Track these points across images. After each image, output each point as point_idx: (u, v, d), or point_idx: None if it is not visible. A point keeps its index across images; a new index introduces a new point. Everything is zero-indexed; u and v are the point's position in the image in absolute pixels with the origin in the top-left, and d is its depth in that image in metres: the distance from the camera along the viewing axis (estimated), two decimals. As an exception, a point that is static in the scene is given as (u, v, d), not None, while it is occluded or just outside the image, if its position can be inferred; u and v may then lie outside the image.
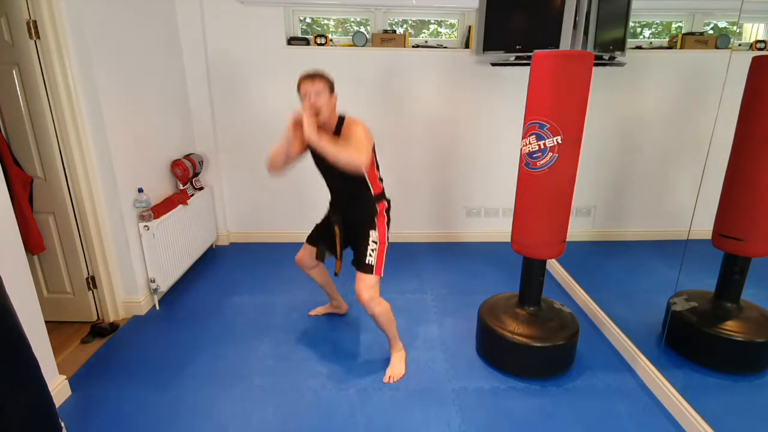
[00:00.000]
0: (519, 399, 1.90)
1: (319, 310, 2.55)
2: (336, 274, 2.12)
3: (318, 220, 2.22)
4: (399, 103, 3.25)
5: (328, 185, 2.08)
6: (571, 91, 1.74)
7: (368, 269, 1.93)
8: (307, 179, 2.93)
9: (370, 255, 1.94)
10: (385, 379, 2.01)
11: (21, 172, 2.10)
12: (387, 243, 2.01)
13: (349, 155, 1.74)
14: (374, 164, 1.98)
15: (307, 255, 2.23)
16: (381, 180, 2.04)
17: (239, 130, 3.29)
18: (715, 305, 2.05)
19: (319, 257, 2.13)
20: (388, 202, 2.07)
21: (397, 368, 2.05)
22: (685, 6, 2.98)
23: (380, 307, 1.93)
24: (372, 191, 1.99)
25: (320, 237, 2.16)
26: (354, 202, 2.02)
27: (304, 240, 2.24)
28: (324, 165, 1.95)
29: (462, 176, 3.45)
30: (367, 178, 1.96)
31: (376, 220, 1.99)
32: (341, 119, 1.91)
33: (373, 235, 1.97)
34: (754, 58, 1.78)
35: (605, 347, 2.26)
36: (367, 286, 1.90)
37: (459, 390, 1.96)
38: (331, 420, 1.78)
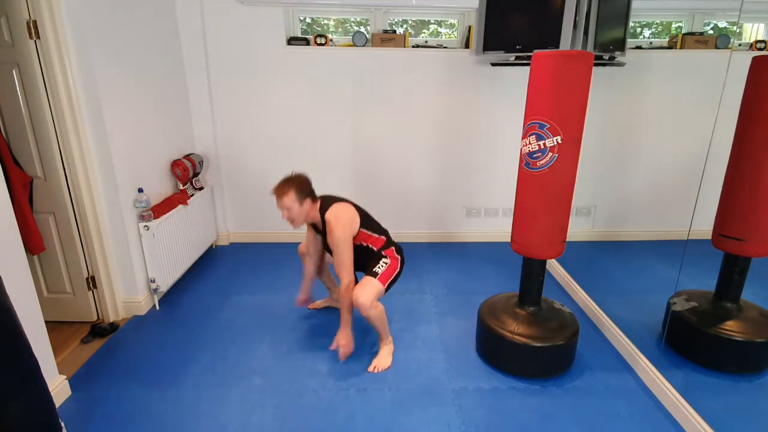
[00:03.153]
0: (519, 399, 1.90)
1: (318, 304, 2.59)
2: None
3: None
4: (399, 103, 3.25)
5: None
6: (571, 91, 1.74)
7: (373, 274, 2.01)
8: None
9: (380, 267, 2.04)
10: (371, 368, 2.06)
11: (21, 172, 2.10)
12: (398, 270, 2.09)
13: (349, 286, 1.97)
14: (365, 232, 2.07)
15: (308, 243, 2.29)
16: (383, 233, 2.13)
17: (239, 130, 3.29)
18: (715, 305, 2.05)
19: None
20: (397, 246, 2.16)
21: (383, 359, 2.10)
22: (685, 6, 2.98)
23: (375, 311, 1.98)
24: (374, 249, 2.10)
25: None
26: (363, 261, 2.11)
27: (304, 240, 2.24)
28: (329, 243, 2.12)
29: (462, 176, 3.45)
30: (364, 244, 2.08)
31: (388, 256, 2.09)
32: (324, 210, 2.01)
33: (385, 259, 2.07)
34: (754, 58, 1.78)
35: (605, 347, 2.26)
36: (366, 289, 1.95)
37: (459, 390, 1.96)
38: (331, 420, 1.78)
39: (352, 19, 3.36)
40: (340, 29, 3.42)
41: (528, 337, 1.95)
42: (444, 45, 3.25)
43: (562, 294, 2.82)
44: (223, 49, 3.11)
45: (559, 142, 1.76)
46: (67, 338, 2.30)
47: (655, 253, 2.99)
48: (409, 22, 3.40)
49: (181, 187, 2.93)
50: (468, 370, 2.08)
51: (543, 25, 2.76)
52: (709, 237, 2.01)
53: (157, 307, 2.60)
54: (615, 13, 2.62)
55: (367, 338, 2.31)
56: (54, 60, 2.05)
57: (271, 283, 2.89)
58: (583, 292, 2.67)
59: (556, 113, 1.75)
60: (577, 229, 3.16)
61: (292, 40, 3.14)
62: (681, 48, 2.83)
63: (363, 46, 3.14)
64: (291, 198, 1.94)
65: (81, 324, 2.42)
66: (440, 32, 3.43)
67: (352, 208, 2.06)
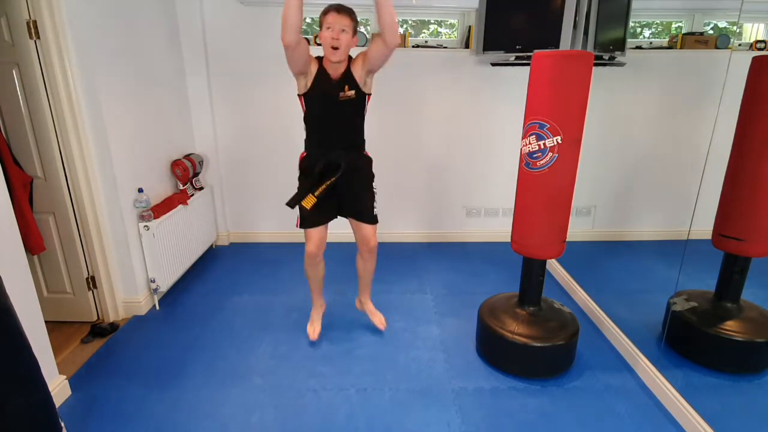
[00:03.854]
0: (519, 399, 1.90)
1: (318, 329, 2.32)
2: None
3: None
4: (399, 104, 3.25)
5: (326, 134, 1.98)
6: (571, 91, 1.74)
7: (376, 220, 2.08)
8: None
9: (376, 205, 2.09)
10: (383, 327, 2.29)
11: (21, 172, 2.10)
12: None
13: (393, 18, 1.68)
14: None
15: (322, 240, 2.11)
16: None
17: (239, 130, 3.29)
18: (715, 305, 2.05)
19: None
20: None
21: (378, 315, 2.33)
22: (685, 6, 2.98)
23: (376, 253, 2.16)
24: (363, 139, 2.06)
25: (322, 212, 2.04)
26: (352, 151, 2.01)
27: (303, 241, 2.20)
28: (332, 104, 1.88)
29: (462, 176, 3.45)
30: (366, 110, 1.99)
31: (372, 168, 2.10)
32: (349, 58, 1.92)
33: (374, 184, 2.11)
34: (754, 58, 1.78)
35: (605, 347, 2.26)
36: (374, 234, 2.09)
37: (459, 390, 1.96)
38: (331, 420, 1.78)
39: (352, 19, 3.36)
40: (340, 29, 3.42)
41: (528, 337, 1.95)
42: (444, 45, 3.25)
43: (562, 294, 2.82)
44: (223, 49, 3.11)
45: (559, 142, 1.76)
46: (67, 338, 2.30)
47: (655, 253, 2.99)
48: (409, 22, 3.40)
49: (181, 187, 2.93)
50: (468, 370, 2.08)
51: (543, 25, 2.77)
52: (709, 237, 2.01)
53: (157, 307, 2.60)
54: (615, 13, 2.62)
55: (366, 338, 2.31)
56: (54, 60, 2.05)
57: (271, 283, 2.89)
58: (583, 292, 2.67)
59: (556, 113, 1.75)
60: (577, 229, 3.16)
61: (292, 40, 3.14)
62: (681, 48, 2.83)
63: (363, 46, 3.14)
64: (351, 24, 1.76)
65: (81, 324, 2.42)
66: (440, 32, 3.43)
67: None
